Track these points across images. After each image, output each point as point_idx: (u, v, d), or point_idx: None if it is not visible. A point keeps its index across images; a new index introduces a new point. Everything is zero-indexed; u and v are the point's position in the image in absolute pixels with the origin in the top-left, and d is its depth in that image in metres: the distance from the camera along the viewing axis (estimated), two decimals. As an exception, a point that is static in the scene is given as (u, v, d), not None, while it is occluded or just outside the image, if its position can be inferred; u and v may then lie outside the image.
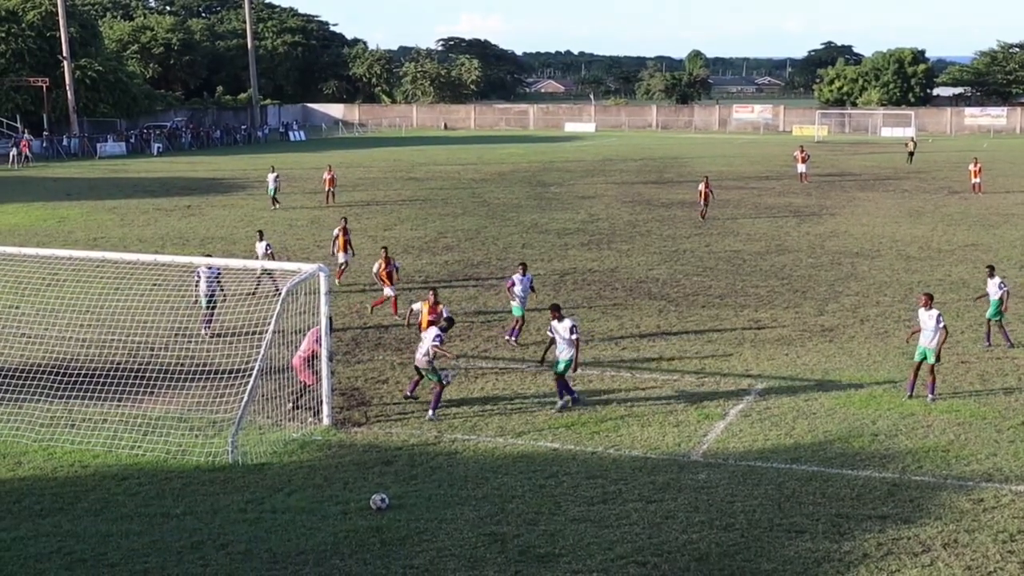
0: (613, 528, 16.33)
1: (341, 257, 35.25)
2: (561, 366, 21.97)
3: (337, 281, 33.91)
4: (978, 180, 62.24)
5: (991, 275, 27.55)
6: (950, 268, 38.20)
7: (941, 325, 22.41)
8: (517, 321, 27.71)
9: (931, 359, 22.46)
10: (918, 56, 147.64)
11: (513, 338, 27.43)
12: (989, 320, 27.40)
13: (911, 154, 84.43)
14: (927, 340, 22.54)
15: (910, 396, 22.53)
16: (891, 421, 21.27)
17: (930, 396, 22.40)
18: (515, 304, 27.61)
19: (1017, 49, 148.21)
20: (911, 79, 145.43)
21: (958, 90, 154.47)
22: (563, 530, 16.26)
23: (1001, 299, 27.03)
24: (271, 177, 56.28)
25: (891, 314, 30.99)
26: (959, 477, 18.33)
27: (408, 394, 22.65)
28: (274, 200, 55.59)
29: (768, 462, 19.10)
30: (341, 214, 44.15)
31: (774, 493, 17.66)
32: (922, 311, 22.73)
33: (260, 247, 33.76)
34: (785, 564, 15.16)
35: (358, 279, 35.19)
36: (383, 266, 30.58)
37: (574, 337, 21.92)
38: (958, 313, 30.58)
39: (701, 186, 51.99)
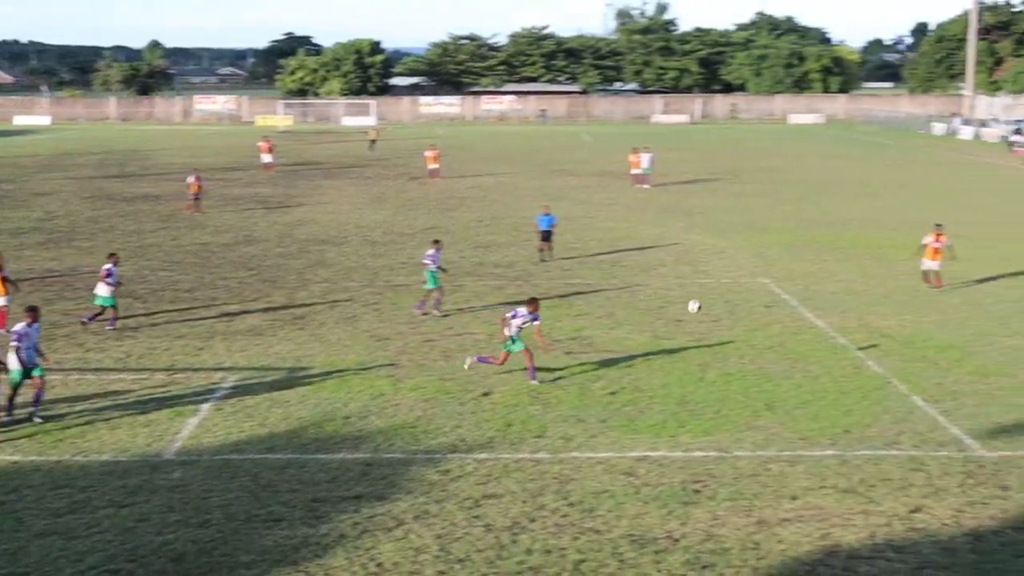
0: (83, 538, 15.67)
1: None
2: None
3: None
4: (435, 166, 65.45)
5: (435, 249, 29.97)
6: (412, 251, 39.87)
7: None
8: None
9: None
10: (375, 47, 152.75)
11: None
12: (431, 290, 29.68)
13: (373, 142, 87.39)
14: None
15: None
16: (362, 403, 21.93)
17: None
18: None
19: (466, 41, 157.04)
20: (369, 69, 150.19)
21: (414, 80, 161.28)
22: (27, 547, 15.39)
23: (440, 269, 29.75)
24: None
25: (359, 298, 31.93)
26: (428, 451, 19.23)
27: None
28: None
29: (243, 454, 19.09)
30: None
31: (250, 484, 17.68)
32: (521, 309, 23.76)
33: None
34: (264, 554, 15.23)
35: None
36: None
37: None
38: (421, 293, 32.08)
39: (191, 178, 50.90)
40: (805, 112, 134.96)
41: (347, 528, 16.04)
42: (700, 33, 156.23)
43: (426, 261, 29.89)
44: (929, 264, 32.68)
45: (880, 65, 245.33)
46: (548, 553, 15.28)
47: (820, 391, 22.70)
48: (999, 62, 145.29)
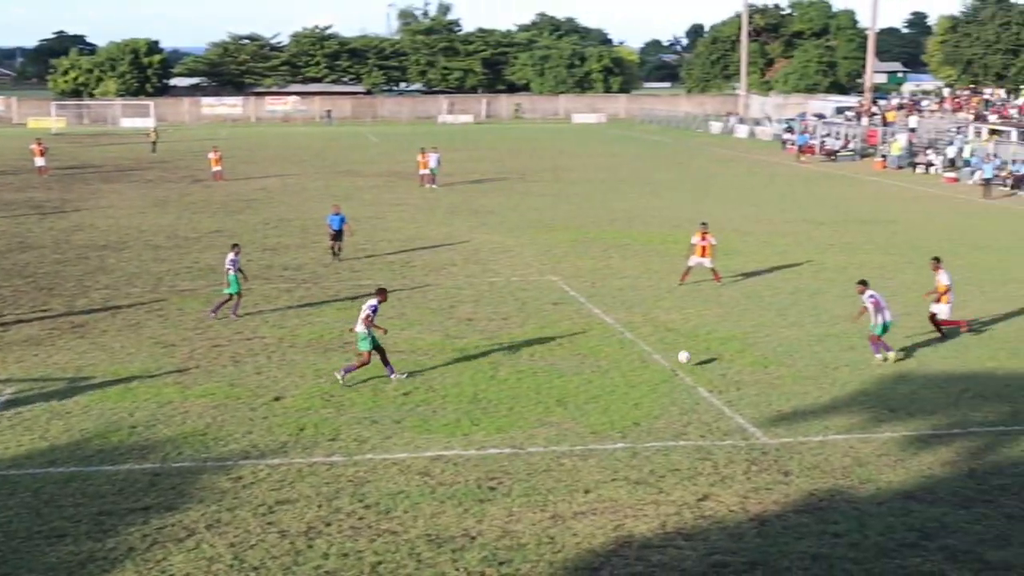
0: None
1: None
2: None
3: None
4: (219, 168, 64.24)
5: (234, 253, 29.66)
6: (198, 255, 39.04)
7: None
8: None
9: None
10: (153, 47, 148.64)
11: None
12: (231, 294, 29.48)
13: (154, 144, 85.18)
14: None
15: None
16: (149, 411, 21.35)
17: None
18: None
19: (247, 41, 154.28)
20: (147, 69, 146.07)
21: (195, 80, 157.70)
22: None
23: (239, 272, 29.71)
24: None
25: (143, 305, 31.06)
26: (219, 458, 18.85)
27: None
28: None
29: (22, 469, 18.34)
30: None
31: (31, 500, 17.00)
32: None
33: None
34: (47, 571, 14.67)
35: None
36: None
37: None
38: (208, 299, 31.47)
39: None
40: (588, 112, 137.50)
41: (136, 541, 15.59)
42: (483, 34, 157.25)
43: (227, 266, 29.46)
44: (697, 261, 33.65)
45: (659, 65, 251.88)
46: (345, 556, 15.18)
47: (609, 386, 23.18)
48: (770, 63, 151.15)
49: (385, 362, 23.57)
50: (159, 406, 21.71)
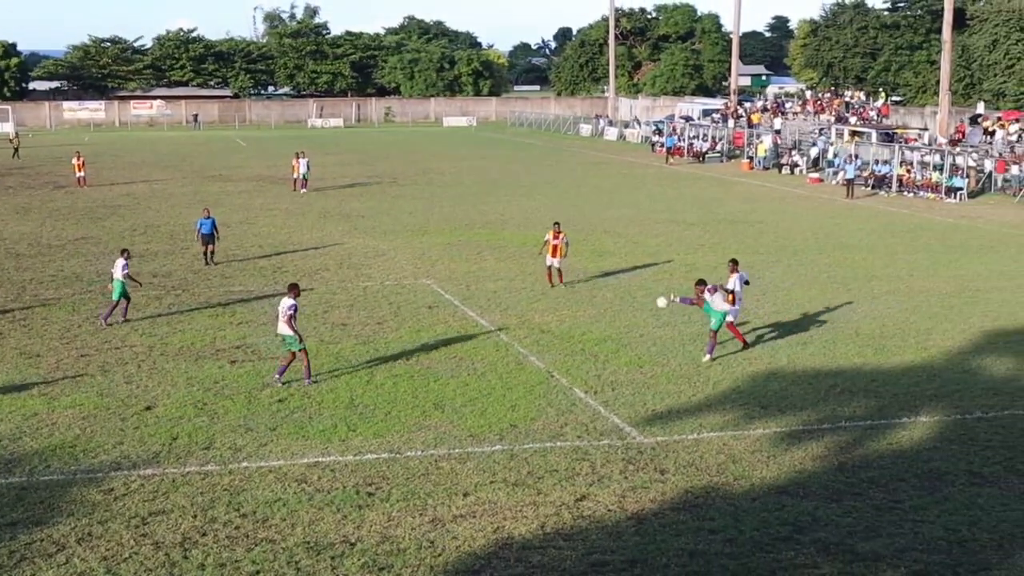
0: None
1: None
2: None
3: None
4: (82, 174, 62.84)
5: (124, 258, 29.38)
6: (62, 263, 38.11)
7: None
8: None
9: None
10: (10, 49, 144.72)
11: None
12: (118, 300, 29.14)
13: (16, 150, 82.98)
14: None
15: None
16: (14, 424, 20.77)
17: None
18: None
19: (109, 43, 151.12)
20: (5, 73, 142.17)
21: (55, 84, 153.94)
22: None
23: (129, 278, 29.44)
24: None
25: (6, 315, 30.17)
26: (88, 470, 18.42)
27: None
28: None
29: None
30: None
31: None
32: None
33: None
34: (-90, 593, 14.18)
35: None
36: None
37: None
38: (74, 307, 30.77)
39: None
40: (459, 115, 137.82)
41: (3, 558, 15.15)
42: (352, 37, 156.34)
43: (118, 273, 29.04)
44: (551, 260, 33.89)
45: (528, 68, 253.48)
46: (222, 567, 14.95)
47: (486, 388, 23.24)
48: (638, 66, 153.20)
49: (284, 369, 23.44)
50: (24, 419, 21.13)
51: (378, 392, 22.91)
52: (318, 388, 23.09)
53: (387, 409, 21.75)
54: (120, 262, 29.20)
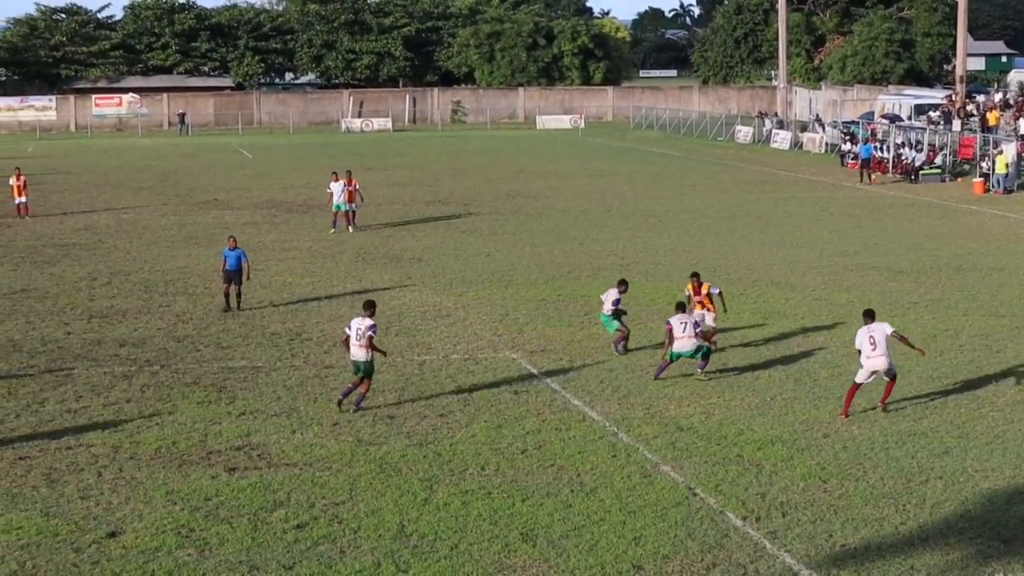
0: None
1: None
2: None
3: None
4: (23, 199, 63.51)
5: None
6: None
7: None
8: None
9: None
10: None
11: None
12: None
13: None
14: None
15: None
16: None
17: None
18: None
19: (63, 16, 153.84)
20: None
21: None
22: None
23: None
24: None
25: (-89, 400, 30.82)
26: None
27: None
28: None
29: None
30: None
31: None
32: None
33: None
34: None
35: None
36: None
37: None
38: (9, 390, 31.25)
39: None
40: (559, 112, 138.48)
41: None
42: (405, 2, 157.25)
43: None
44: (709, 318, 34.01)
45: (660, 46, 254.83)
46: None
47: (598, 511, 23.16)
48: (821, 41, 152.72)
49: (349, 392, 26.62)
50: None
51: (440, 516, 22.93)
52: (353, 510, 23.16)
53: (453, 541, 21.77)
54: None
